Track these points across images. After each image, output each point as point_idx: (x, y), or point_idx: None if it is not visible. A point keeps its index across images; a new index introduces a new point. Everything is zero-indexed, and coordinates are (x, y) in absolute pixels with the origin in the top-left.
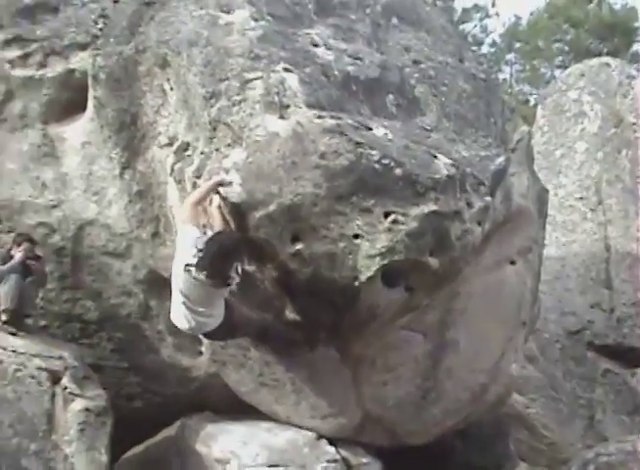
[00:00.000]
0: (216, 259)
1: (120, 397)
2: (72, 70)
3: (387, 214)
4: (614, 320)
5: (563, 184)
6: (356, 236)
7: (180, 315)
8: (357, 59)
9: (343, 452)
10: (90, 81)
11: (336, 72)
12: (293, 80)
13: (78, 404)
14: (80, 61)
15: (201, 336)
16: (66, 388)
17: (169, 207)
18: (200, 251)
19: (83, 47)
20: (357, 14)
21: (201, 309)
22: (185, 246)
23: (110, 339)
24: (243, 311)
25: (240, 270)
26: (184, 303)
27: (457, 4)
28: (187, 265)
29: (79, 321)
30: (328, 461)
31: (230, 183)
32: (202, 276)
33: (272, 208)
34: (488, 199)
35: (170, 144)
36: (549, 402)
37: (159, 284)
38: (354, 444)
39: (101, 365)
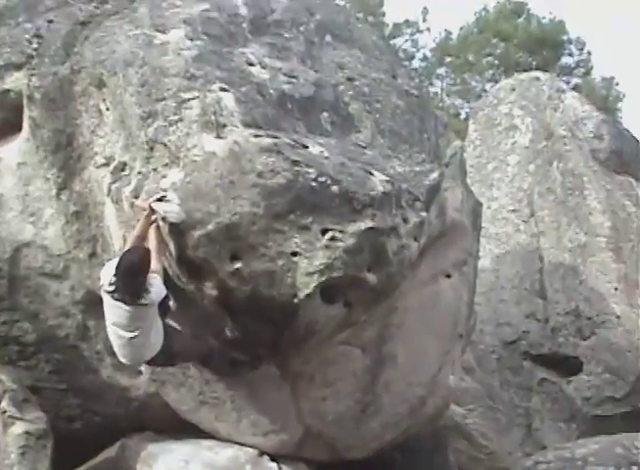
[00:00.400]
0: (127, 276)
1: (60, 418)
2: (7, 91)
3: (324, 232)
4: (548, 330)
5: (495, 197)
6: (295, 254)
7: (118, 348)
8: (292, 77)
9: (285, 468)
10: (25, 101)
11: (271, 91)
12: (229, 100)
13: (18, 428)
14: (15, 81)
15: None
16: (5, 411)
17: (107, 227)
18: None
19: (18, 67)
20: (291, 32)
21: (133, 335)
22: (105, 273)
23: (48, 360)
24: (184, 338)
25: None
26: (116, 332)
27: (388, 19)
28: (102, 286)
29: (17, 343)
30: None
31: (165, 198)
32: (115, 293)
33: (210, 227)
34: (424, 214)
35: (107, 164)
36: (487, 412)
37: (96, 304)
38: (296, 459)
39: (39, 387)
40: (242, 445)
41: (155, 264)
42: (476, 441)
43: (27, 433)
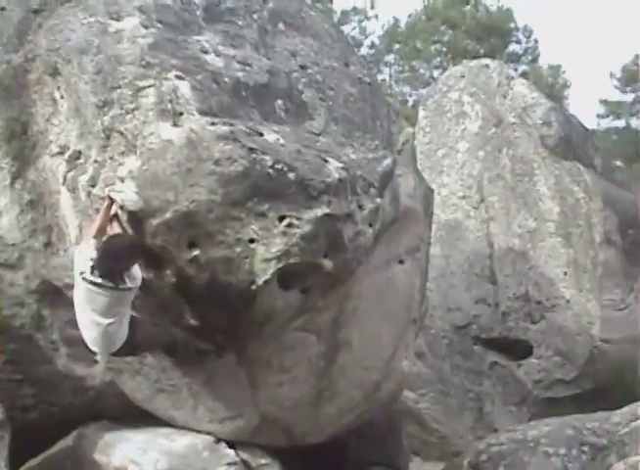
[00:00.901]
0: (110, 260)
1: (16, 409)
2: None
3: (281, 218)
4: (499, 314)
5: (445, 183)
6: (252, 240)
7: (92, 337)
8: (246, 65)
9: (243, 455)
10: None
11: (226, 79)
12: (185, 88)
13: None
14: None
15: None
16: None
17: (62, 216)
18: (96, 256)
19: None
20: (245, 20)
21: (110, 322)
22: (80, 261)
23: (2, 351)
24: (146, 327)
25: (139, 275)
26: (93, 319)
27: (336, 6)
28: (82, 273)
29: None
30: (228, 464)
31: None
32: (97, 278)
33: (168, 215)
34: (379, 200)
35: (62, 153)
36: (438, 397)
37: (52, 294)
38: (253, 445)
39: None
40: (199, 432)
41: None
42: (428, 425)
43: None
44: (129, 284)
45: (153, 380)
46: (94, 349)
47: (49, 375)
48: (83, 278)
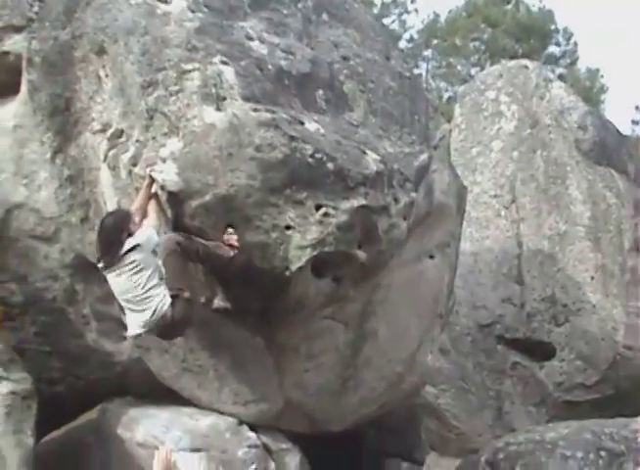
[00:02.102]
0: (109, 238)
1: (42, 380)
2: (6, 53)
3: (318, 207)
4: (524, 315)
5: (478, 181)
6: (288, 227)
7: (129, 319)
8: (289, 53)
9: (264, 438)
10: (24, 64)
11: (269, 66)
12: (229, 73)
13: (4, 388)
14: (15, 43)
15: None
16: None
17: (101, 192)
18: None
19: (18, 30)
20: (289, 9)
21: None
22: None
23: (33, 322)
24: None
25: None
26: (126, 305)
27: None
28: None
29: (3, 304)
30: (249, 446)
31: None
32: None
33: (208, 197)
34: (414, 194)
35: (104, 130)
36: (459, 393)
37: (85, 269)
38: (274, 430)
39: (23, 349)
40: (222, 413)
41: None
42: (447, 421)
43: (13, 393)
44: (132, 258)
45: (180, 359)
46: (132, 331)
47: (78, 349)
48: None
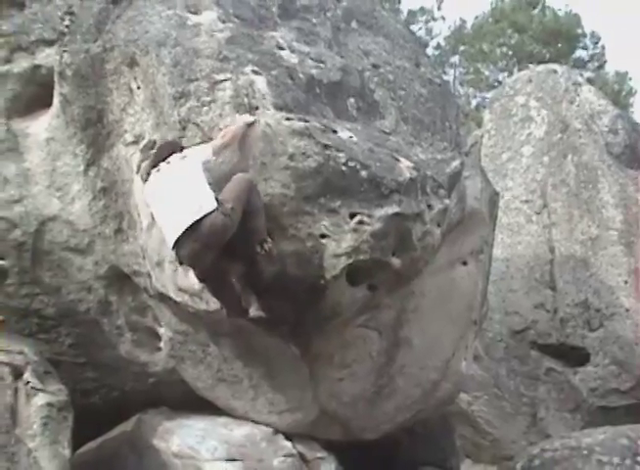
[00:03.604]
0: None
1: (77, 392)
2: (38, 66)
3: (352, 215)
4: (557, 320)
5: (509, 187)
6: (323, 236)
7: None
8: (320, 62)
9: (299, 447)
10: (56, 78)
11: (300, 75)
12: (261, 82)
13: (41, 399)
14: (46, 57)
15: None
16: (28, 382)
17: (134, 204)
18: None
19: (50, 43)
20: (319, 17)
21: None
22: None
23: (68, 334)
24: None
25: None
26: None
27: (403, 6)
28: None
29: (37, 316)
30: (285, 456)
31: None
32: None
33: None
34: (447, 201)
35: (136, 142)
36: (493, 400)
37: (119, 280)
38: (310, 438)
39: (58, 360)
40: (257, 422)
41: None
42: (481, 428)
43: (50, 404)
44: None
45: (215, 369)
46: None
47: (112, 360)
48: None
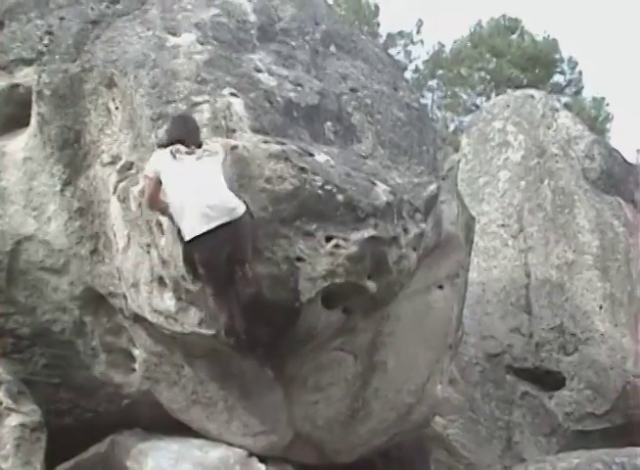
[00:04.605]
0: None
1: (50, 413)
2: (16, 85)
3: (328, 239)
4: (532, 345)
5: (485, 211)
6: (299, 259)
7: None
8: (298, 85)
9: None
10: (34, 97)
11: (278, 99)
12: (238, 105)
13: (14, 420)
14: (25, 76)
15: None
16: (1, 403)
17: (110, 225)
18: None
19: (28, 63)
20: (297, 41)
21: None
22: None
23: (42, 354)
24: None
25: None
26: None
27: (382, 29)
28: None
29: (12, 336)
30: None
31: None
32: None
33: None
34: (423, 225)
35: (113, 163)
36: (468, 424)
37: (95, 301)
38: (284, 461)
39: (32, 381)
40: (231, 445)
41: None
42: (456, 451)
43: (23, 425)
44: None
45: (189, 391)
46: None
47: (86, 381)
48: None
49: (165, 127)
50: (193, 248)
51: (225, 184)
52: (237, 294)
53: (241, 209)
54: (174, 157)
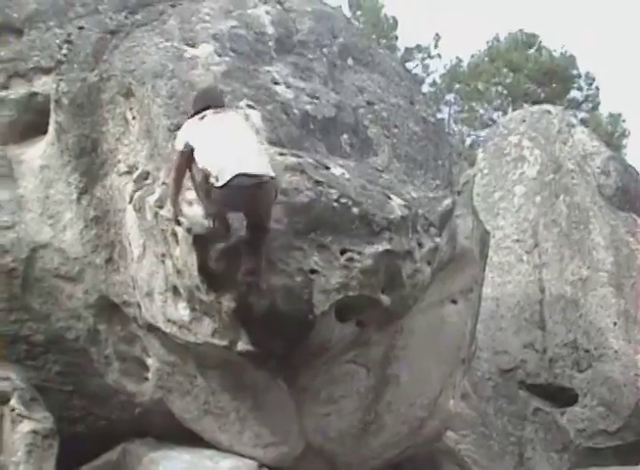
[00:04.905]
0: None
1: (63, 420)
2: (35, 94)
3: (343, 252)
4: (546, 361)
5: (500, 226)
6: (313, 271)
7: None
8: (314, 98)
9: None
10: (52, 106)
11: (295, 111)
12: (255, 117)
13: (26, 426)
14: (43, 85)
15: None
16: (14, 409)
17: (126, 234)
18: None
19: (47, 71)
20: (315, 53)
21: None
22: None
23: (55, 361)
24: None
25: None
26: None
27: (400, 43)
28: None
29: (26, 343)
30: None
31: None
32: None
33: (234, 240)
34: (438, 240)
35: (129, 172)
36: (480, 439)
37: (109, 309)
38: None
39: (45, 387)
40: (242, 456)
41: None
42: (468, 467)
43: (35, 432)
44: None
45: (202, 401)
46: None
47: (99, 389)
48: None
49: (192, 103)
50: (226, 190)
51: (257, 141)
52: (248, 307)
53: (272, 172)
54: (202, 119)
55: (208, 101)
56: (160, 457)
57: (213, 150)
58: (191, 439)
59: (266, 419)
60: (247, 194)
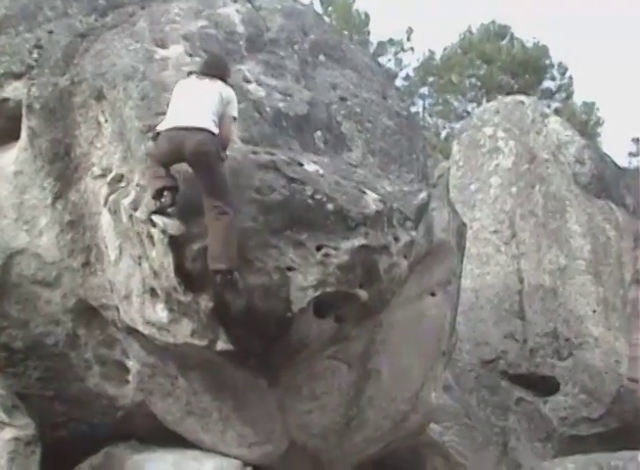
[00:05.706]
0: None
1: (45, 426)
2: (6, 99)
3: (319, 248)
4: (527, 350)
5: (477, 218)
6: (289, 269)
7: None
8: (287, 95)
9: None
10: (24, 111)
11: (267, 109)
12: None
13: (8, 433)
14: (14, 90)
15: None
16: None
17: (102, 237)
18: None
19: (17, 76)
20: (286, 51)
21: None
22: None
23: (35, 368)
24: None
25: None
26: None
27: (372, 37)
28: None
29: (5, 350)
30: None
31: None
32: None
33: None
34: (414, 233)
35: (104, 175)
36: (464, 430)
37: (87, 313)
38: None
39: (26, 394)
40: (226, 455)
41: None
42: (452, 458)
43: (17, 439)
44: None
45: (183, 402)
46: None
47: (80, 393)
48: None
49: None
50: (161, 137)
51: (214, 106)
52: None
53: (214, 129)
54: (188, 76)
55: (213, 68)
56: (143, 460)
57: (170, 112)
58: (174, 440)
59: (249, 418)
60: (181, 139)
